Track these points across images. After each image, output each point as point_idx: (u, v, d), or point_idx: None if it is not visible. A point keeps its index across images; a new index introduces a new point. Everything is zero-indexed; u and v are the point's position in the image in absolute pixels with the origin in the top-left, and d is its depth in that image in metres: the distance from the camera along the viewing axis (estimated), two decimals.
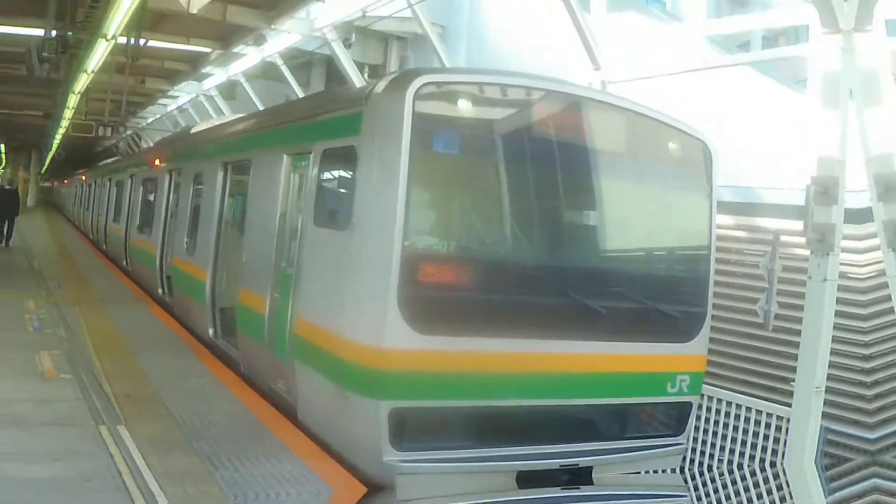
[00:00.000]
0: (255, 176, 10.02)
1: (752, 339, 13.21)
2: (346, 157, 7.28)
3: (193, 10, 8.02)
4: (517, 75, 8.17)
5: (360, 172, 7.04)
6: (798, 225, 9.53)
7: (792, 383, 9.85)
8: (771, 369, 13.11)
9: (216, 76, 25.91)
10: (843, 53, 9.17)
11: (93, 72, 17.60)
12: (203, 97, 29.16)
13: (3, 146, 58.45)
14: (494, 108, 7.50)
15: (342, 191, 7.72)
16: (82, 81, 19.25)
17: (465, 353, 6.74)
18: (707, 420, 12.13)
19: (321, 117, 8.42)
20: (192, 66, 24.66)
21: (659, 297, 7.88)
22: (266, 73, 23.49)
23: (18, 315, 12.34)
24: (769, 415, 11.45)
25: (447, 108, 7.03)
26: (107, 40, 13.77)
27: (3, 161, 66.16)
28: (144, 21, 15.62)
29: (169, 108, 34.68)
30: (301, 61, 23.74)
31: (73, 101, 22.75)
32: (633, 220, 8.18)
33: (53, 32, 14.80)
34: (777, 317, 9.93)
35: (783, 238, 10.27)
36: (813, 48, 9.86)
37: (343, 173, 7.70)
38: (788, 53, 12.20)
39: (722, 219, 10.66)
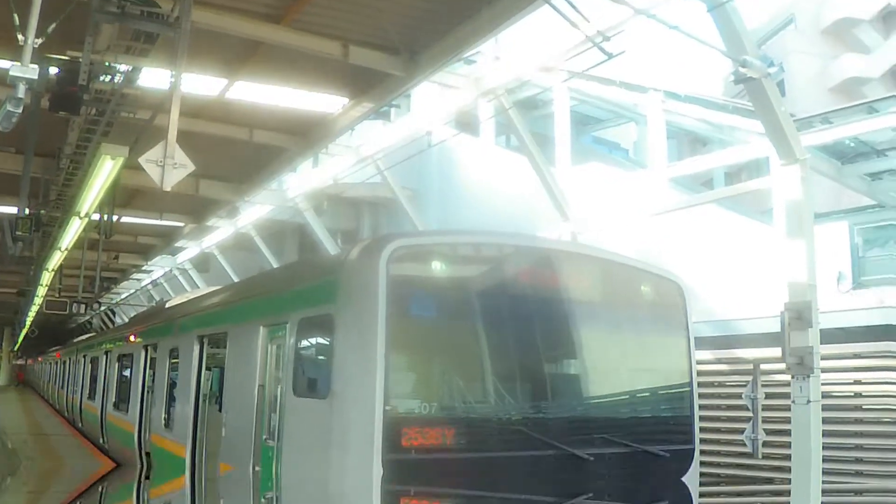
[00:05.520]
0: (231, 348, 9.99)
1: (743, 469, 13.14)
2: (324, 326, 7.31)
3: (167, 188, 8.21)
4: (488, 234, 8.36)
5: (338, 340, 7.05)
6: (776, 351, 9.67)
7: None
8: (766, 497, 12.98)
9: (189, 249, 26.19)
10: (802, 182, 9.59)
11: (66, 249, 17.74)
12: (177, 270, 29.35)
13: None
14: (468, 267, 7.62)
15: (321, 359, 7.70)
16: (56, 258, 19.37)
17: None
18: None
19: (296, 287, 8.50)
20: (166, 240, 24.99)
21: (646, 440, 7.83)
22: (240, 244, 23.79)
23: None
24: None
25: (421, 270, 7.13)
26: (80, 218, 13.92)
27: None
28: (117, 198, 15.93)
29: (143, 283, 34.81)
30: (274, 231, 24.15)
31: (46, 278, 22.80)
32: (613, 366, 8.20)
33: (27, 210, 14.99)
34: (766, 444, 9.91)
35: (763, 366, 10.36)
36: (773, 180, 10.28)
37: (321, 342, 7.69)
38: (749, 188, 12.67)
39: (702, 354, 10.78)
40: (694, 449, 8.15)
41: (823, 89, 37.53)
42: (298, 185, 18.79)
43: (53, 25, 7.35)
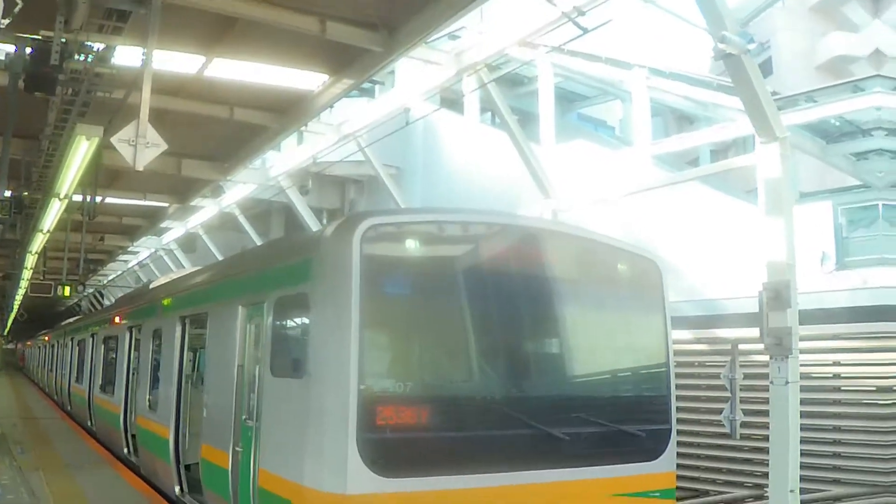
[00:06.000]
0: (212, 329, 9.99)
1: (722, 450, 13.18)
2: (300, 305, 7.31)
3: (139, 168, 8.15)
4: (463, 212, 8.33)
5: (313, 319, 7.05)
6: (756, 332, 9.66)
7: (766, 488, 9.77)
8: (744, 477, 13.05)
9: (175, 230, 26.09)
10: (782, 160, 9.54)
11: (48, 231, 17.63)
12: (163, 251, 29.27)
13: None
14: (442, 246, 7.59)
15: (297, 339, 7.70)
16: (38, 241, 19.26)
17: (431, 493, 6.61)
18: None
19: (273, 266, 8.48)
20: (151, 220, 24.87)
21: (622, 419, 7.84)
22: (225, 224, 23.71)
23: None
24: None
25: (395, 249, 7.12)
26: (60, 200, 13.83)
27: None
28: (100, 178, 15.83)
29: (129, 264, 34.70)
30: (259, 210, 24.06)
31: (30, 261, 22.67)
32: (590, 344, 8.20)
33: (8, 193, 14.89)
34: (745, 424, 9.93)
35: (743, 346, 10.34)
36: (754, 158, 10.22)
37: (297, 321, 7.70)
38: (731, 165, 12.59)
39: (682, 333, 10.77)
40: (670, 429, 8.16)
41: (811, 67, 37.44)
42: (281, 163, 18.69)
43: (20, 6, 7.22)
